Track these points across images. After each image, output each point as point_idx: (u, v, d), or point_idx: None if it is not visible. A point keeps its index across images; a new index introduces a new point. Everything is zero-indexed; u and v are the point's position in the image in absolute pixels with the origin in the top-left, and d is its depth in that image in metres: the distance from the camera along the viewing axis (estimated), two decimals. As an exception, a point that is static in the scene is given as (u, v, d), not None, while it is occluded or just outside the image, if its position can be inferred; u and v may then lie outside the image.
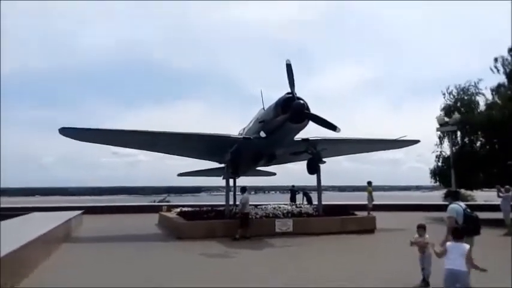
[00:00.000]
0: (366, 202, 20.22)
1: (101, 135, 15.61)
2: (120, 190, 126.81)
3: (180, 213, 17.44)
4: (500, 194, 16.37)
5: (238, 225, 14.04)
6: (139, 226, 18.49)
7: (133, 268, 9.38)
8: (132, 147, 18.39)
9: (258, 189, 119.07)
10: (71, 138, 15.61)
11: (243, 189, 15.54)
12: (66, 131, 14.88)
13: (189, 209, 19.10)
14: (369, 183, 20.29)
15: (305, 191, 23.47)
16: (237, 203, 21.88)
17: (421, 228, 7.80)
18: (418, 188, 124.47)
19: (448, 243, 6.02)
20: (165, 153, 19.76)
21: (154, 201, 42.25)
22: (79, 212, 19.20)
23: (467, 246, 5.92)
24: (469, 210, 7.09)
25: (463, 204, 7.21)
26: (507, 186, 16.44)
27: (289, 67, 12.87)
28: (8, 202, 35.36)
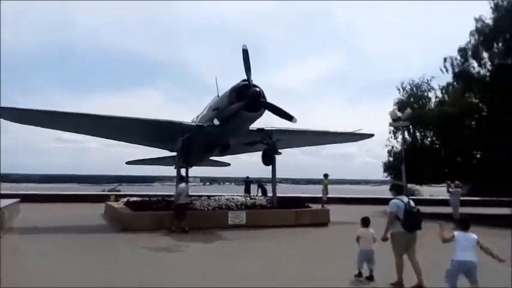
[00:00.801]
0: (320, 195, 20.11)
1: (44, 116, 14.31)
2: (68, 178, 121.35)
3: (127, 203, 16.38)
4: (450, 190, 16.78)
5: (173, 217, 13.26)
6: (83, 216, 17.30)
7: (64, 263, 8.52)
8: (79, 132, 17.20)
9: (212, 180, 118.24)
10: (11, 120, 14.28)
11: (181, 179, 14.74)
12: (5, 112, 13.53)
13: (138, 198, 18.02)
14: (325, 175, 20.13)
15: (260, 182, 23.06)
16: (190, 193, 21.35)
17: (366, 221, 7.60)
18: (367, 182, 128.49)
19: (456, 233, 5.83)
20: (113, 139, 18.63)
21: (104, 191, 40.42)
22: (15, 200, 17.61)
23: (475, 236, 5.77)
24: (412, 204, 6.93)
25: (405, 198, 7.03)
26: (457, 182, 16.87)
27: (245, 53, 12.30)
28: None
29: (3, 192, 25.70)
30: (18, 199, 18.64)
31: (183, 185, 13.90)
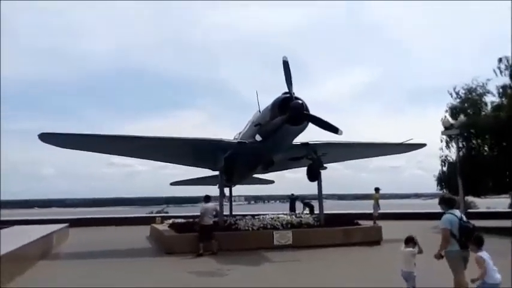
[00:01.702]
0: (371, 211, 18.96)
1: (82, 140, 14.47)
2: (118, 201, 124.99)
3: (172, 225, 16.15)
4: None
5: (198, 239, 12.61)
6: (129, 239, 17.22)
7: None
8: (119, 154, 17.20)
9: (257, 199, 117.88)
10: (52, 144, 14.58)
11: (206, 198, 13.60)
12: (46, 137, 13.79)
13: (182, 220, 17.75)
14: (377, 189, 18.75)
15: (305, 200, 22.15)
16: (234, 213, 20.93)
17: (411, 242, 6.86)
18: (417, 195, 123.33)
19: (484, 253, 5.56)
20: (156, 160, 18.67)
21: (152, 213, 40.86)
22: (64, 225, 17.91)
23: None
24: (465, 219, 6.21)
25: (458, 212, 6.26)
26: None
27: (286, 64, 11.79)
28: (5, 215, 33.73)
29: (53, 217, 26.51)
30: (66, 224, 18.96)
31: (209, 204, 13.23)
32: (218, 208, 14.04)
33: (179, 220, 17.68)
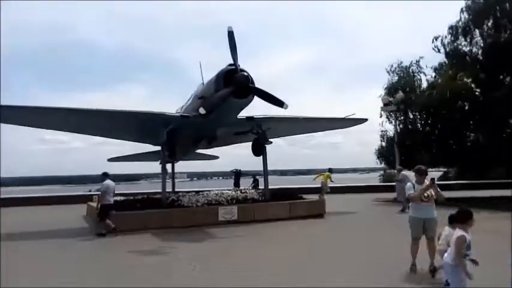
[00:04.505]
0: (313, 185, 19.44)
1: (14, 112, 13.02)
2: (53, 180, 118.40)
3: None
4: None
5: (101, 219, 12.02)
6: (63, 219, 16.12)
7: (38, 271, 7.50)
8: (54, 128, 15.80)
9: (200, 176, 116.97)
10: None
11: (105, 175, 12.50)
12: None
13: (122, 197, 16.89)
14: (330, 170, 19.43)
15: (255, 176, 21.90)
16: (177, 190, 20.28)
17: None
18: (355, 170, 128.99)
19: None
20: (93, 134, 17.48)
21: (90, 191, 38.97)
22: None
23: None
24: None
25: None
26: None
27: (231, 34, 11.21)
28: None
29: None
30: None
31: (107, 181, 12.34)
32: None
33: (118, 198, 16.78)
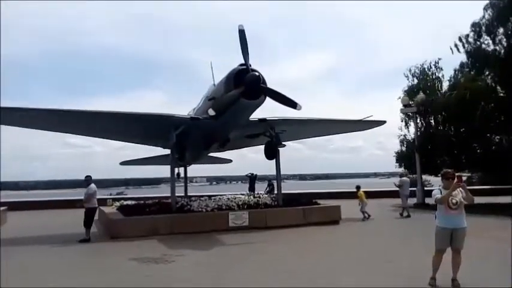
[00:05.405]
0: (330, 190, 18.74)
1: (23, 116, 12.87)
2: (75, 183, 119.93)
3: (120, 208, 15.05)
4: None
5: (85, 224, 11.83)
6: (74, 224, 15.87)
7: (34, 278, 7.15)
8: (69, 132, 15.78)
9: (219, 179, 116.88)
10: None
11: (89, 179, 12.33)
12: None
13: (133, 202, 16.64)
14: (358, 187, 18.29)
15: (271, 181, 21.26)
16: (190, 194, 19.96)
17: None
18: (376, 174, 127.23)
19: None
20: (104, 137, 17.38)
21: (110, 195, 39.43)
22: (1, 208, 16.34)
23: None
24: None
25: None
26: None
27: (242, 33, 10.87)
28: None
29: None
30: (5, 207, 17.37)
31: (93, 185, 12.13)
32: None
33: (128, 202, 16.55)
